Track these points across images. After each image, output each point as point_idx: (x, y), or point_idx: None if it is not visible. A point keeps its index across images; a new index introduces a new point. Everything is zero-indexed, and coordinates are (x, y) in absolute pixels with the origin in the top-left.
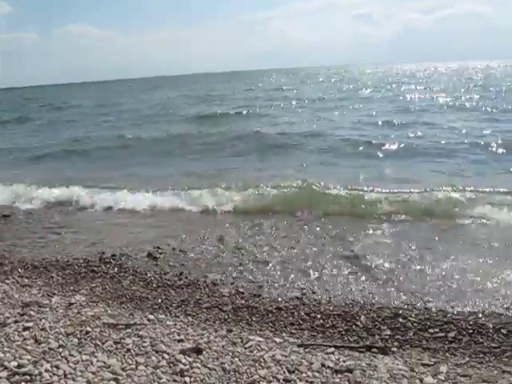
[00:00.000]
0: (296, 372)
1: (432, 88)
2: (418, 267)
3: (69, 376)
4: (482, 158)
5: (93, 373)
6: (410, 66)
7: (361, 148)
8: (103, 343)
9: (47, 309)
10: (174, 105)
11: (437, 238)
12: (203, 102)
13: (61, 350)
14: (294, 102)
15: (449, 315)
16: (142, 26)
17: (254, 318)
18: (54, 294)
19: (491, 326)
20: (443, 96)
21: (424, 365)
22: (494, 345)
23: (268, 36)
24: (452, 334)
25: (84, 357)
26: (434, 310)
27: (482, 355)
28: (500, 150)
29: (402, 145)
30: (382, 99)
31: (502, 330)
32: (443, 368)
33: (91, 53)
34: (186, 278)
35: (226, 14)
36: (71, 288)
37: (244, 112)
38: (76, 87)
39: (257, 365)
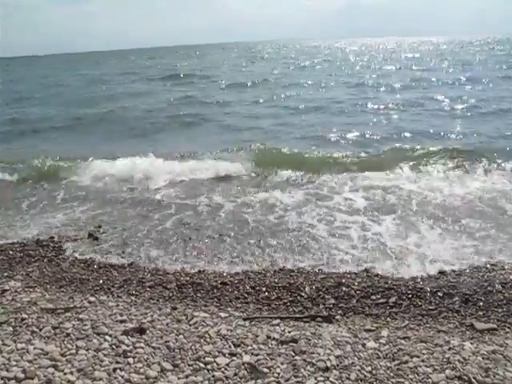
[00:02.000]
0: (242, 345)
1: None
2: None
3: (2, 367)
4: None
5: (29, 361)
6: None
7: None
8: (40, 329)
9: None
10: None
11: None
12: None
13: None
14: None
15: (390, 281)
16: None
17: (198, 295)
18: None
19: (429, 289)
20: None
21: (366, 330)
22: (431, 307)
23: (215, 9)
24: (393, 299)
25: (19, 345)
26: (376, 277)
27: (420, 317)
28: None
29: None
30: None
31: (439, 293)
32: (384, 332)
33: None
34: (129, 257)
35: None
36: (5, 274)
37: None
38: None
39: (202, 341)
